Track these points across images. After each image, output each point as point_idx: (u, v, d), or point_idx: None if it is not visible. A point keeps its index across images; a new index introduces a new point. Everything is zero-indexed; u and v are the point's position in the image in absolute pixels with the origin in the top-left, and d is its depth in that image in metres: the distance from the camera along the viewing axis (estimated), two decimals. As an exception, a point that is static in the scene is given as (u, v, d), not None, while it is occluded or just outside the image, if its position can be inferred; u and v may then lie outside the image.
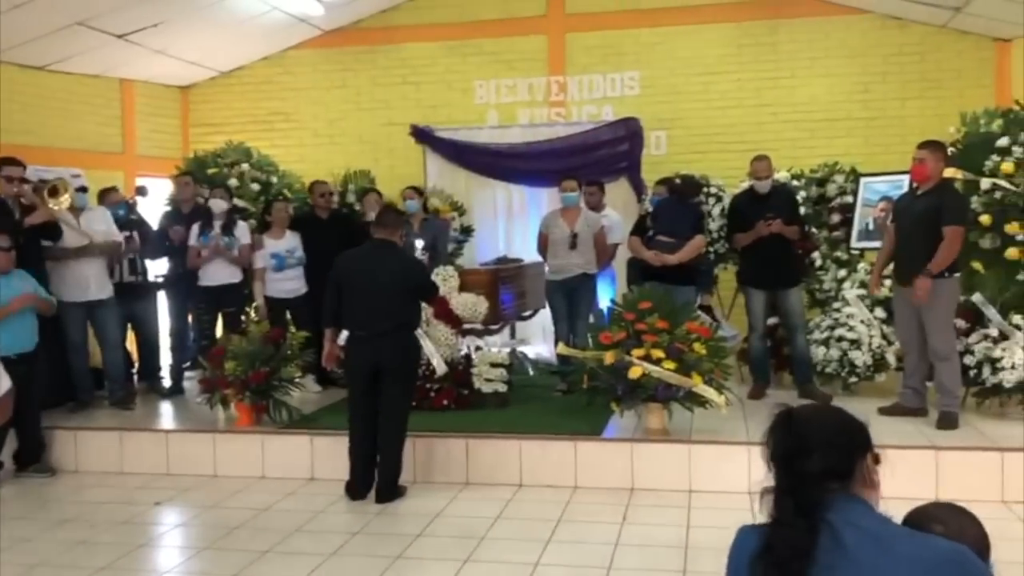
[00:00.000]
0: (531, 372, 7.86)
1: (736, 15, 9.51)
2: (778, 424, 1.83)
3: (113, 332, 6.96)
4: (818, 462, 1.74)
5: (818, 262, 7.33)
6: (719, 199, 7.81)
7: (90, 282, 6.70)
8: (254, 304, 7.35)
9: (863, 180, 7.46)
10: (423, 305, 6.18)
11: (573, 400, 6.18)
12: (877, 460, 1.81)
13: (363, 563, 4.41)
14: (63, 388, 6.70)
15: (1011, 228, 5.73)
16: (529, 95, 9.96)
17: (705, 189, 7.84)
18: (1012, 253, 5.78)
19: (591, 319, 6.72)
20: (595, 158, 8.85)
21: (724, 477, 5.30)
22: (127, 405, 6.92)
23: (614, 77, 9.78)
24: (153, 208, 8.12)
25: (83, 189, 6.89)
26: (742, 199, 6.97)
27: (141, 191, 8.04)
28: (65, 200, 6.45)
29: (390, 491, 5.28)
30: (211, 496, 5.58)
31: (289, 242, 7.32)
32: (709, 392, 5.44)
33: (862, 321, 6.68)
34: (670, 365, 5.39)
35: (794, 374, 6.87)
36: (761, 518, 1.84)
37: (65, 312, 6.46)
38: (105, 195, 7.60)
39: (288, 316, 7.21)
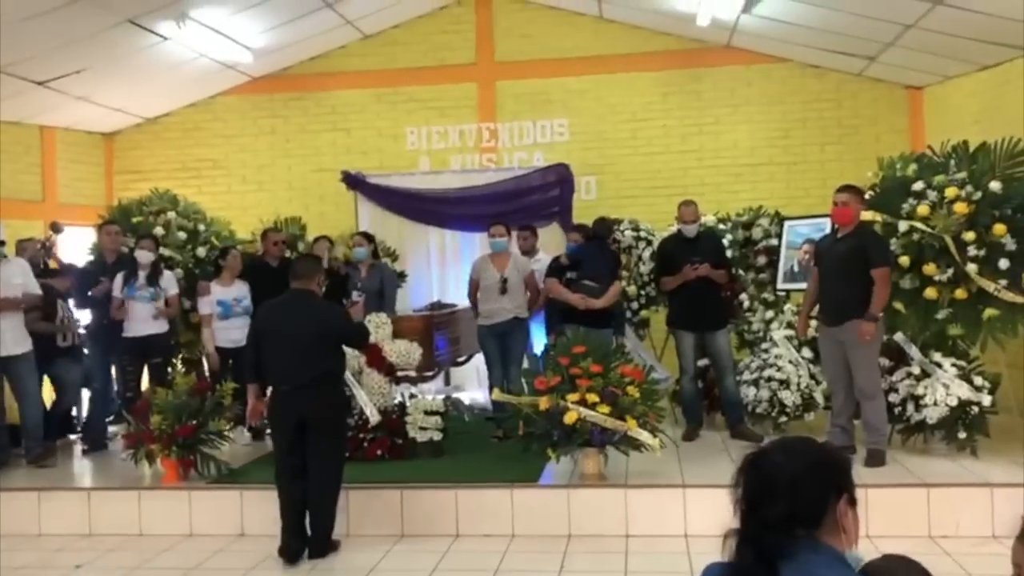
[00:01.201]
0: (466, 419, 7.78)
1: (660, 64, 9.76)
2: (746, 465, 1.74)
3: (31, 386, 6.69)
4: (783, 508, 1.65)
5: (746, 304, 7.48)
6: (649, 243, 7.93)
7: (4, 336, 6.45)
8: (204, 352, 7.19)
9: (786, 223, 7.66)
10: (356, 353, 6.12)
11: (509, 447, 6.15)
12: (853, 503, 1.72)
13: (296, 622, 4.28)
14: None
15: (928, 269, 5.92)
16: (460, 141, 10.04)
17: (634, 233, 7.97)
18: (930, 293, 5.97)
19: (525, 363, 6.73)
20: (527, 203, 8.94)
21: (661, 521, 5.32)
22: (46, 462, 6.64)
23: (544, 124, 9.93)
24: (75, 254, 7.90)
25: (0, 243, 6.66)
26: (670, 243, 7.10)
27: (56, 228, 7.83)
28: None
29: (322, 545, 5.13)
30: (136, 556, 5.36)
31: (238, 290, 7.21)
32: (644, 435, 5.47)
33: (790, 361, 6.82)
34: (605, 409, 5.41)
35: (726, 415, 6.96)
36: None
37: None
38: (22, 246, 7.36)
39: (231, 365, 7.06)
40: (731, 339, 7.15)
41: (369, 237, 7.88)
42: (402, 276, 8.78)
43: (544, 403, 5.51)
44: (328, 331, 5.18)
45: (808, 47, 9.04)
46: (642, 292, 7.83)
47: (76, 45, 7.71)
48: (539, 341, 7.52)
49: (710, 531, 1.87)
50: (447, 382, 8.40)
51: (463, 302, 7.97)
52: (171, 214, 8.17)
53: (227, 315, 7.16)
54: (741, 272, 7.66)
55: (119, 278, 7.06)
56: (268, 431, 6.75)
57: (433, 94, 10.06)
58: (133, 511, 5.84)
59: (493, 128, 9.97)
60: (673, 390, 7.28)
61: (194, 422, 5.90)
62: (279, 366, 5.13)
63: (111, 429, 7.43)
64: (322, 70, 10.16)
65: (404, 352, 6.69)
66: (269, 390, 5.29)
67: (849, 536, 1.71)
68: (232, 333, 7.14)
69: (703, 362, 7.02)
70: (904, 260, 6.00)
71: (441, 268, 9.25)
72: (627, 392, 5.51)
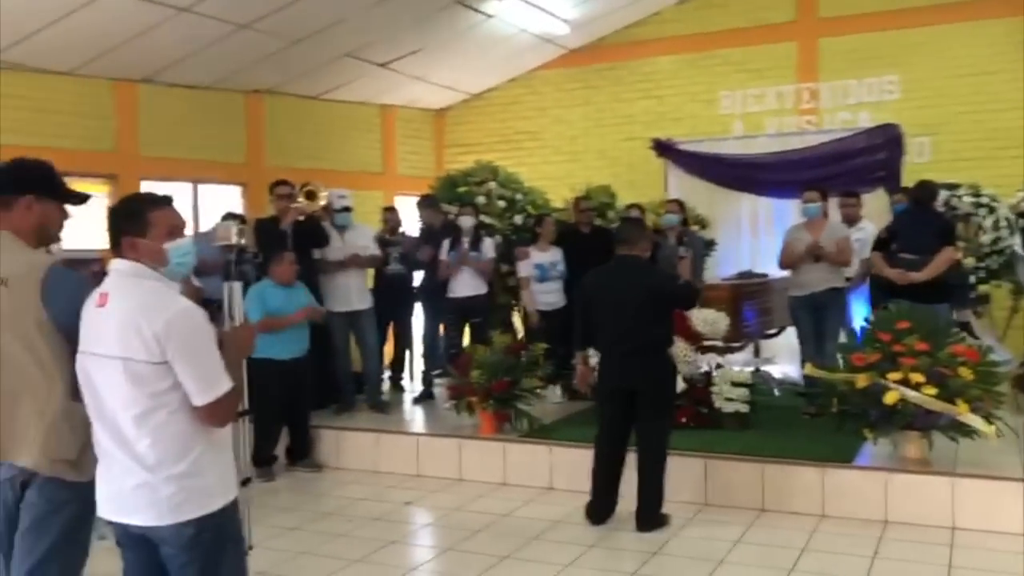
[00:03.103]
0: (776, 393, 7.53)
1: (1013, 9, 8.64)
2: None
3: (372, 339, 7.49)
4: None
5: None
6: (991, 210, 7.12)
7: (352, 293, 7.26)
8: (525, 312, 7.67)
9: None
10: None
11: (821, 424, 5.86)
12: None
13: (598, 577, 4.43)
14: (328, 391, 7.27)
15: None
16: (777, 103, 9.63)
17: (974, 199, 7.18)
18: None
19: (842, 337, 6.35)
20: (849, 167, 8.38)
21: (994, 515, 4.81)
22: (383, 408, 7.41)
23: (871, 81, 9.24)
24: (408, 223, 8.69)
25: (347, 209, 7.45)
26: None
27: (395, 216, 8.58)
28: (323, 198, 7.02)
29: (651, 517, 5.02)
30: (455, 499, 5.84)
31: (552, 255, 7.57)
32: (976, 421, 4.95)
33: None
34: (931, 391, 4.97)
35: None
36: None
37: (330, 321, 7.01)
38: (385, 213, 8.26)
39: (544, 326, 7.44)
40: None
41: (681, 204, 7.88)
42: (711, 244, 8.64)
43: (862, 380, 5.17)
44: (657, 296, 5.03)
45: None
46: (981, 265, 7.05)
47: (412, 28, 8.39)
48: (858, 315, 7.05)
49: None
50: (756, 354, 8.16)
51: (775, 272, 7.68)
52: (492, 184, 8.68)
53: (543, 278, 7.52)
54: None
55: (445, 244, 7.64)
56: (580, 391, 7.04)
57: (749, 56, 9.73)
58: (454, 457, 6.34)
59: (814, 88, 9.45)
60: (1017, 374, 6.50)
61: (509, 379, 6.25)
62: (608, 332, 5.10)
63: (437, 381, 8.10)
64: (636, 38, 10.20)
65: (711, 321, 6.59)
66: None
67: None
68: (547, 296, 7.50)
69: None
70: None
71: (753, 236, 8.99)
72: (958, 373, 5.02)
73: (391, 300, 7.79)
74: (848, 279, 6.92)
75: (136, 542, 2.57)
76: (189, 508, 2.47)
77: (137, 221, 2.58)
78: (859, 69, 9.29)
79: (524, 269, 7.59)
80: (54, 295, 2.72)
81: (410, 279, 8.21)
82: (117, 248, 2.58)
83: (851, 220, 7.20)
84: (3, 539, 2.86)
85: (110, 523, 2.57)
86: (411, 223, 8.64)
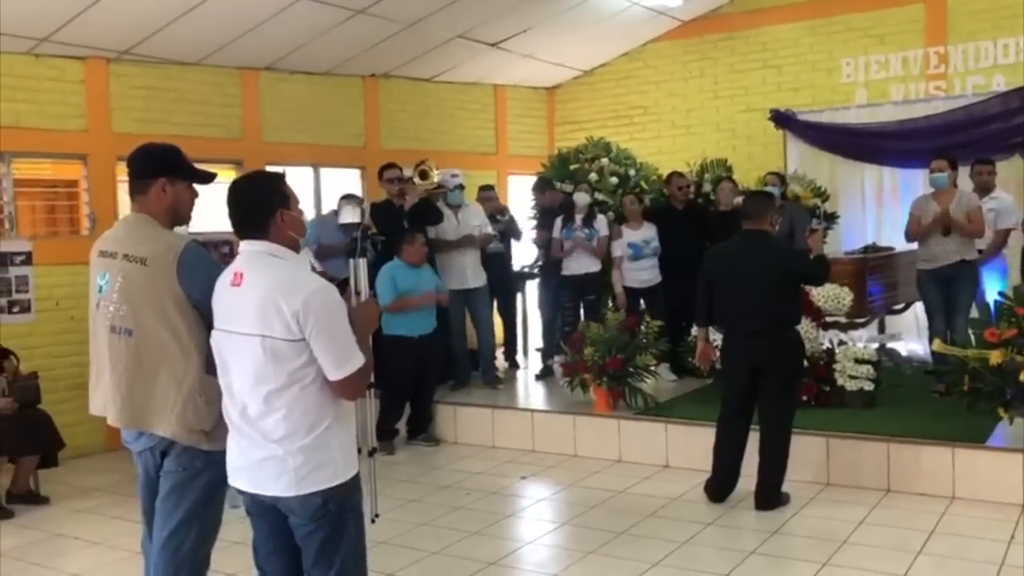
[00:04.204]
0: (903, 370, 7.27)
1: None
2: None
3: (486, 316, 7.60)
4: None
5: None
6: None
7: (468, 271, 7.38)
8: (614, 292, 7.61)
9: None
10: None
11: (951, 403, 5.61)
12: None
13: (716, 555, 4.39)
14: (444, 367, 7.42)
15: None
16: (903, 69, 9.18)
17: None
18: None
19: (974, 313, 6.05)
20: (982, 134, 7.93)
21: None
22: (498, 384, 7.51)
23: (1006, 42, 8.67)
24: (518, 202, 8.75)
25: (460, 187, 7.56)
26: None
27: (503, 211, 8.61)
28: (435, 177, 7.13)
29: (771, 496, 4.94)
30: (571, 475, 5.88)
31: (646, 232, 7.47)
32: None
33: None
34: (1074, 368, 4.69)
35: None
36: None
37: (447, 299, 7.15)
38: (481, 192, 8.34)
39: (642, 305, 7.36)
40: None
41: (782, 176, 7.66)
42: (833, 217, 8.36)
43: (996, 357, 4.94)
44: (784, 272, 4.87)
45: None
46: None
47: (522, 6, 8.38)
48: (992, 288, 6.70)
49: None
50: (882, 330, 7.86)
51: (902, 245, 7.37)
52: (604, 160, 8.63)
53: (637, 256, 7.42)
54: None
55: (558, 221, 7.66)
56: (692, 369, 6.96)
57: (872, 20, 9.30)
58: (569, 433, 6.38)
59: (942, 52, 8.96)
60: None
61: (622, 356, 6.23)
62: (733, 310, 4.99)
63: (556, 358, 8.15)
64: (752, 7, 9.90)
65: (833, 296, 6.39)
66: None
67: None
68: (642, 274, 7.41)
69: None
70: None
71: (878, 208, 8.64)
72: (1105, 350, 4.72)
73: (493, 279, 7.84)
74: (980, 251, 6.59)
75: (265, 511, 2.69)
76: (316, 480, 2.56)
77: (283, 194, 2.67)
78: (992, 30, 8.75)
79: (618, 248, 7.51)
80: (189, 273, 2.87)
81: (510, 257, 8.28)
82: (251, 228, 2.64)
83: (985, 189, 6.84)
84: (146, 504, 3.06)
85: (241, 492, 2.70)
86: (515, 202, 8.70)
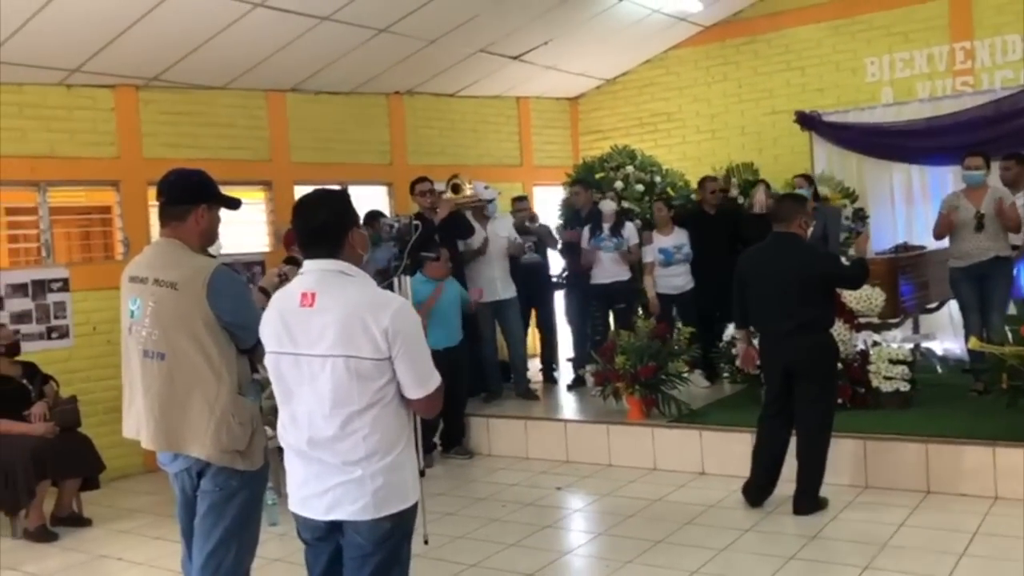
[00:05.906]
0: (939, 370, 7.18)
1: None
2: None
3: (517, 327, 7.60)
4: None
5: None
6: None
7: (497, 283, 7.40)
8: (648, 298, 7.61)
9: None
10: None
11: (990, 402, 5.54)
12: None
13: (755, 561, 4.36)
14: (476, 379, 7.44)
15: None
16: (929, 66, 9.10)
17: None
18: None
19: (1011, 309, 5.97)
20: (1011, 129, 7.83)
21: None
22: (532, 395, 7.51)
23: (1034, 35, 8.58)
24: (547, 212, 8.74)
25: (490, 201, 7.59)
26: None
27: (534, 218, 8.64)
28: (468, 190, 7.17)
29: (809, 502, 4.90)
30: (606, 484, 5.86)
31: (677, 238, 7.46)
32: None
33: None
34: (1115, 362, 4.62)
35: None
36: None
37: (477, 310, 7.17)
38: (515, 203, 8.37)
39: (674, 311, 7.34)
40: None
41: (809, 178, 7.64)
42: (863, 217, 8.29)
43: (1034, 353, 4.86)
44: (812, 275, 4.84)
45: None
46: None
47: (543, 18, 8.42)
48: (1029, 284, 6.61)
49: None
50: (916, 330, 7.78)
51: (932, 244, 7.29)
52: (629, 168, 8.64)
53: (668, 262, 7.41)
54: None
55: (585, 231, 7.66)
56: (725, 374, 6.95)
57: (896, 18, 9.23)
58: (603, 443, 6.36)
59: (969, 47, 8.87)
60: None
61: (654, 364, 6.21)
62: (764, 312, 5.01)
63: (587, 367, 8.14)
64: (774, 9, 9.86)
65: (865, 297, 6.34)
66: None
67: None
68: (675, 280, 7.40)
69: None
70: None
71: (907, 206, 8.56)
72: None
73: (529, 289, 7.86)
74: (1015, 247, 6.50)
75: (327, 536, 2.59)
76: (391, 503, 2.51)
77: (354, 212, 2.63)
78: (1019, 23, 8.63)
79: (649, 254, 7.50)
80: (219, 296, 2.92)
81: (547, 267, 8.29)
82: (324, 247, 2.53)
83: (1013, 184, 6.74)
84: (184, 524, 3.10)
85: (297, 516, 2.61)
86: (546, 212, 8.72)
